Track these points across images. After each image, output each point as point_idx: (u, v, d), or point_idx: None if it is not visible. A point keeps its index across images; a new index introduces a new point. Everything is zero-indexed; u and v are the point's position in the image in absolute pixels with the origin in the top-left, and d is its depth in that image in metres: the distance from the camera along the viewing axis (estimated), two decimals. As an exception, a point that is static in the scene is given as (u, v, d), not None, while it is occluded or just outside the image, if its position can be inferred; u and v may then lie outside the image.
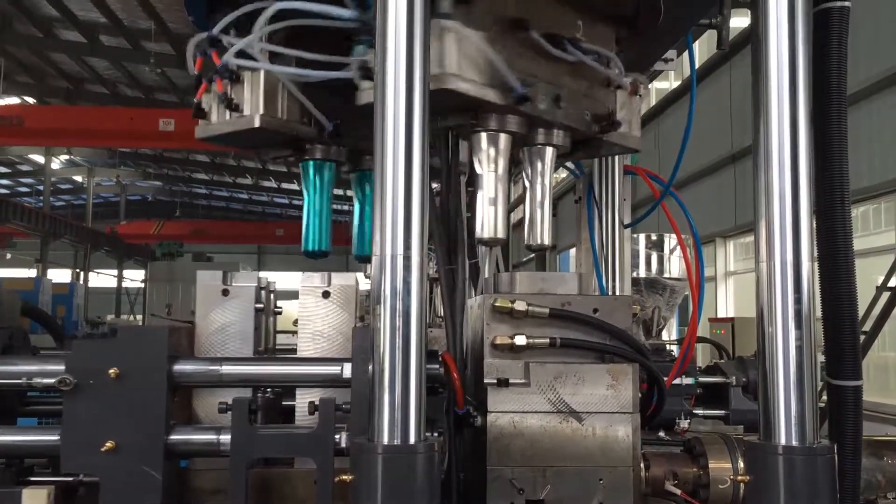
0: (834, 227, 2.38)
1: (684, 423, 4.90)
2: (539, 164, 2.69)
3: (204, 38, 2.51)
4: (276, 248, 42.93)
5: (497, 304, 2.59)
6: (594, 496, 2.52)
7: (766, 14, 2.18)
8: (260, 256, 48.33)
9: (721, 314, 18.08)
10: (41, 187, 35.42)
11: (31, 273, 30.50)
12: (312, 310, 2.54)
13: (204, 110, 2.56)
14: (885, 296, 10.81)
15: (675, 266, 9.48)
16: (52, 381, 2.20)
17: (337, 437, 2.19)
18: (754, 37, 2.23)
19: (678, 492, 2.76)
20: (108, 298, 36.09)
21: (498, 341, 2.58)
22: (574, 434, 2.55)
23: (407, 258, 2.02)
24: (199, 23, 2.82)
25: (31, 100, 28.81)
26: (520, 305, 2.57)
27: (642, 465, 2.69)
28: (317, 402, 2.21)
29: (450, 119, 2.53)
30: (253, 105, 2.48)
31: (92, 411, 2.18)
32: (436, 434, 2.32)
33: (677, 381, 4.55)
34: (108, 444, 2.15)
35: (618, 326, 2.61)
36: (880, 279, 11.21)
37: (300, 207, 2.67)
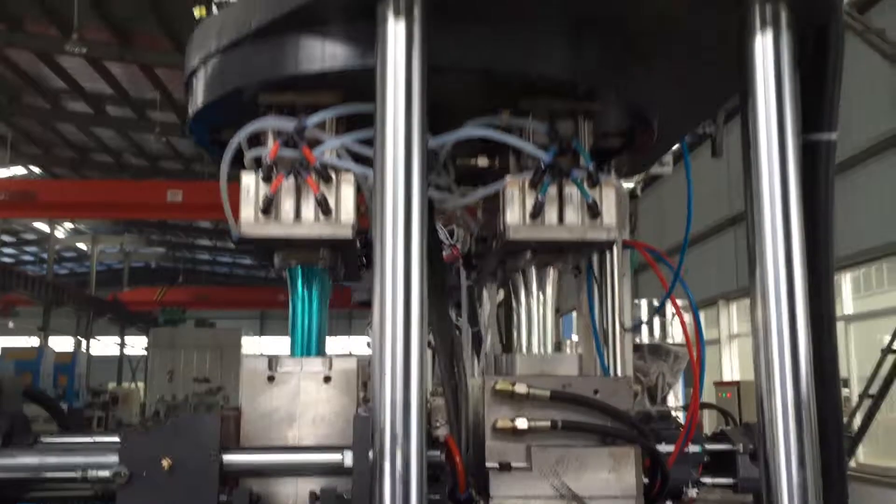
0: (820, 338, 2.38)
1: (692, 493, 4.84)
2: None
3: (290, 126, 2.45)
4: (277, 312, 42.90)
5: (498, 387, 2.59)
6: (599, 583, 2.48)
7: (757, 144, 2.23)
8: (262, 321, 48.23)
9: (726, 377, 17.98)
10: (45, 255, 35.59)
11: (34, 341, 30.45)
12: (314, 395, 2.54)
13: (272, 207, 2.43)
14: (891, 358, 10.77)
15: (679, 331, 9.49)
16: (106, 473, 2.21)
17: (338, 526, 2.17)
18: (745, 161, 2.28)
19: (683, 577, 2.71)
20: (110, 365, 35.92)
21: (499, 424, 2.57)
22: (577, 519, 2.52)
23: (406, 348, 2.03)
24: (200, 139, 2.87)
25: (36, 169, 29.14)
26: (520, 388, 2.58)
27: (648, 548, 2.65)
28: (318, 492, 2.20)
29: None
30: (345, 211, 2.45)
31: (145, 503, 2.17)
32: (437, 523, 2.31)
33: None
34: None
35: (618, 408, 2.60)
36: (886, 338, 11.19)
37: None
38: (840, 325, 14.62)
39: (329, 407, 2.54)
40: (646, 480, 2.68)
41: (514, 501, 2.52)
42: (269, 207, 2.41)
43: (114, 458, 2.18)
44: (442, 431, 2.69)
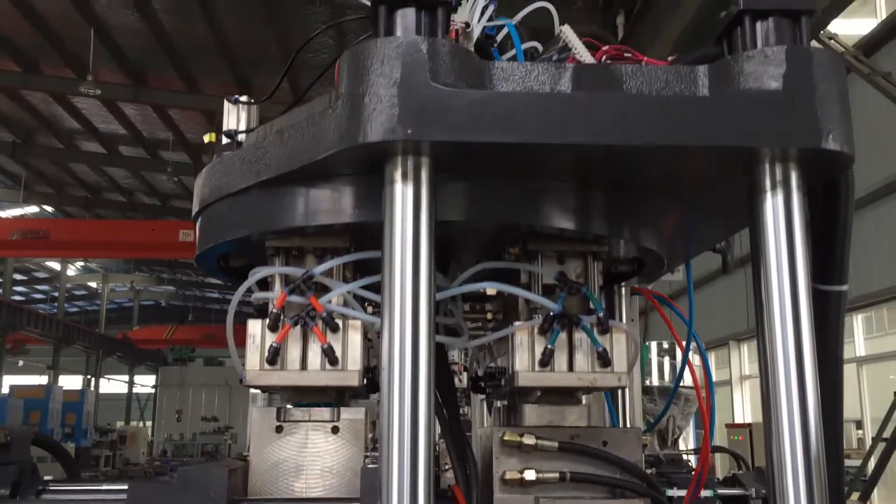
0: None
1: (705, 538, 4.77)
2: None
3: (299, 273, 2.42)
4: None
5: (506, 437, 2.56)
6: None
7: (770, 303, 2.18)
8: (271, 360, 48.11)
9: (738, 419, 17.80)
10: (56, 293, 35.71)
11: (43, 379, 30.44)
12: (321, 446, 2.50)
13: (278, 356, 2.37)
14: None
15: (688, 374, 9.38)
16: None
17: (347, 582, 2.13)
18: (758, 316, 2.28)
19: None
20: (119, 404, 35.86)
21: (507, 476, 2.53)
22: (587, 574, 2.47)
23: (415, 375, 2.01)
24: (208, 271, 2.88)
25: (49, 208, 29.38)
26: (528, 439, 2.54)
27: None
28: (323, 545, 2.16)
29: None
30: (352, 359, 2.41)
31: None
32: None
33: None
34: None
35: (628, 459, 2.57)
36: (896, 377, 11.07)
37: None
38: (852, 367, 14.53)
39: (337, 458, 2.51)
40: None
41: (522, 554, 2.47)
42: (275, 358, 2.38)
43: (113, 511, 2.15)
44: (450, 474, 2.67)
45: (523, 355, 2.50)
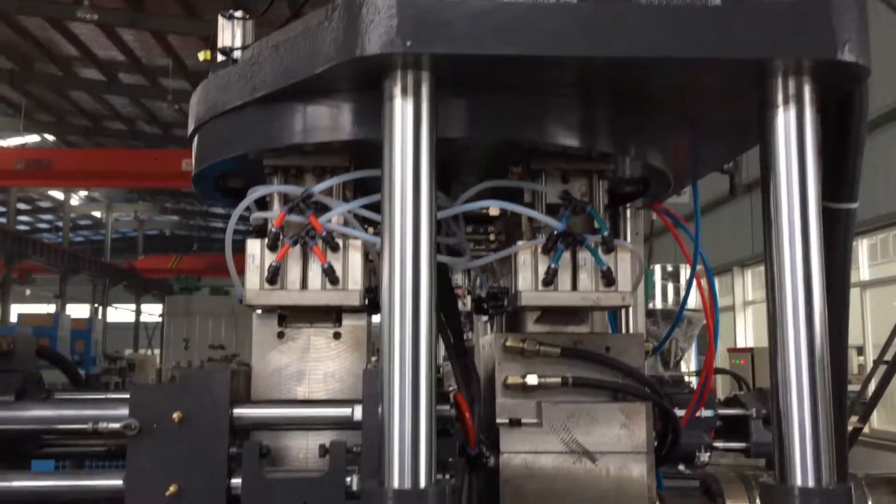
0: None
1: (704, 457, 4.85)
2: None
3: (297, 192, 2.41)
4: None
5: (508, 343, 2.59)
6: (609, 538, 2.49)
7: (780, 220, 2.16)
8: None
9: (740, 344, 17.97)
10: (60, 223, 35.81)
11: (51, 308, 30.73)
12: (323, 351, 2.54)
13: (278, 276, 2.38)
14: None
15: (692, 296, 9.46)
16: (117, 425, 2.21)
17: (348, 480, 2.17)
18: (766, 233, 2.22)
19: (695, 533, 2.72)
20: (126, 333, 36.26)
21: (509, 381, 2.57)
22: (588, 475, 2.53)
23: (416, 297, 2.02)
24: (205, 192, 2.84)
25: (50, 137, 29.23)
26: (530, 345, 2.57)
27: (658, 504, 2.66)
28: (328, 445, 2.20)
29: None
30: (353, 279, 2.41)
31: (156, 456, 2.18)
32: (448, 477, 2.31)
33: (697, 413, 4.50)
34: (172, 489, 2.15)
35: (630, 364, 2.59)
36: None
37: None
38: (855, 292, 14.58)
39: (339, 363, 2.54)
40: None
41: (523, 457, 2.52)
42: (274, 277, 2.38)
43: (124, 412, 2.19)
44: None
45: (526, 275, 2.50)
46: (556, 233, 2.44)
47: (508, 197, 2.58)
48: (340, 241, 2.41)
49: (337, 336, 2.55)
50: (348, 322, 2.56)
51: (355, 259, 2.42)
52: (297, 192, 2.42)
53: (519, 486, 2.51)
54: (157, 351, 33.76)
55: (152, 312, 38.13)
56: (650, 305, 9.69)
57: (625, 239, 3.68)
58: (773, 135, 2.19)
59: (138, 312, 36.93)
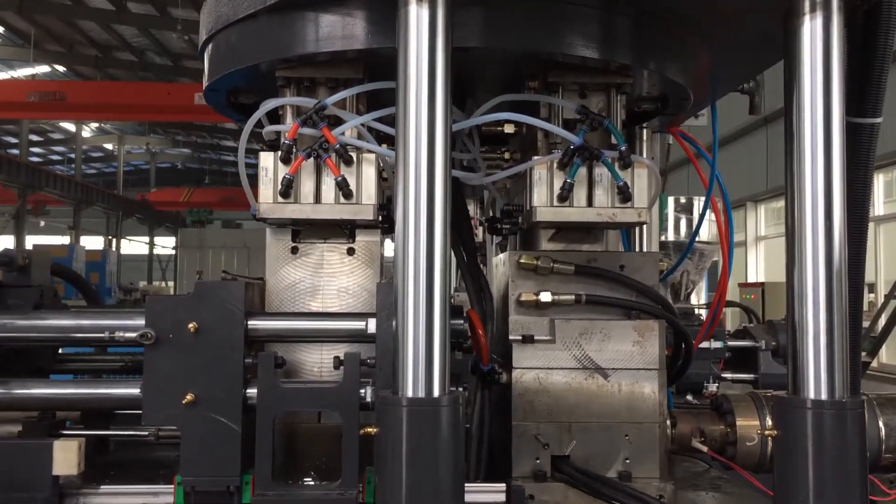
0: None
1: (712, 387, 4.87)
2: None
3: (310, 105, 2.37)
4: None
5: (522, 260, 2.58)
6: (620, 452, 2.52)
7: (801, 131, 2.14)
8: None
9: (751, 279, 17.94)
10: (72, 155, 35.78)
11: (65, 240, 30.93)
12: (337, 266, 2.54)
13: (291, 189, 2.36)
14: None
15: (705, 229, 9.41)
16: (133, 335, 2.22)
17: (362, 391, 2.19)
18: (788, 147, 2.19)
19: (705, 449, 2.75)
20: (140, 265, 36.53)
21: (523, 298, 2.57)
22: (600, 390, 2.54)
23: (430, 211, 2.01)
24: (217, 105, 2.79)
25: (60, 68, 29.02)
26: (544, 262, 2.56)
27: (668, 422, 2.68)
28: (342, 357, 2.21)
29: None
30: (366, 193, 2.38)
31: (172, 365, 2.19)
32: (461, 388, 2.33)
33: (706, 344, 4.51)
34: (189, 397, 2.17)
35: (644, 283, 2.59)
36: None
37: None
38: (869, 228, 14.48)
39: (353, 279, 2.54)
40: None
41: (535, 372, 2.54)
42: (287, 190, 2.35)
43: (141, 322, 2.20)
44: None
45: (541, 190, 2.47)
46: (572, 147, 2.40)
47: (524, 113, 2.54)
48: (354, 155, 2.38)
49: (350, 252, 2.55)
50: (362, 238, 2.55)
51: (369, 173, 2.39)
52: (310, 104, 2.39)
53: (531, 402, 2.53)
54: (171, 283, 34.01)
55: (166, 245, 38.32)
56: (662, 238, 9.66)
57: (638, 153, 3.64)
58: (798, 44, 2.14)
59: (152, 245, 37.11)
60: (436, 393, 1.98)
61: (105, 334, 2.27)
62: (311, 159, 2.36)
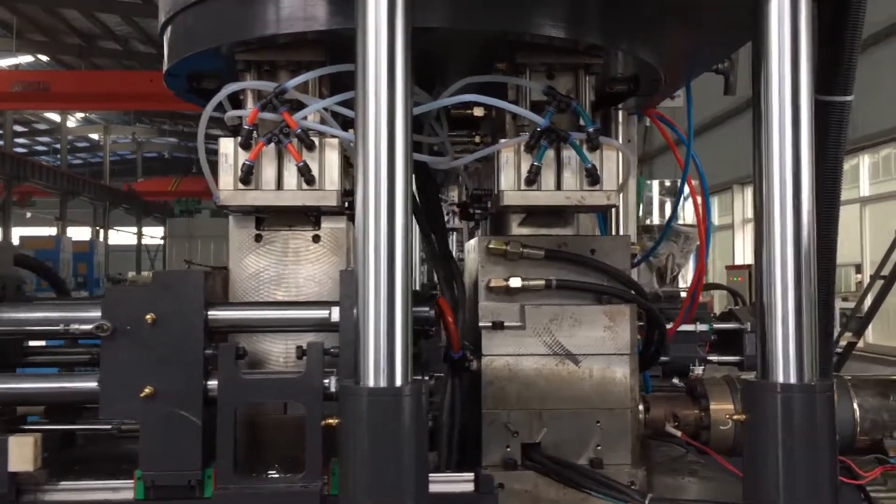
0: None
1: (698, 370, 4.85)
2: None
3: (270, 88, 2.30)
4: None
5: (491, 245, 2.54)
6: (591, 439, 2.49)
7: (769, 108, 2.10)
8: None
9: (738, 261, 17.95)
10: (58, 146, 35.53)
11: (52, 231, 30.74)
12: (303, 254, 2.49)
13: (251, 175, 2.30)
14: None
15: (690, 213, 9.41)
16: (89, 327, 2.16)
17: (326, 381, 2.15)
18: (755, 126, 2.15)
19: (678, 434, 2.72)
20: (129, 255, 36.33)
21: (493, 284, 2.53)
22: (570, 376, 2.51)
23: (391, 197, 1.96)
24: (178, 91, 2.72)
25: (44, 58, 28.77)
26: (514, 247, 2.52)
27: (641, 406, 2.65)
28: (304, 347, 2.17)
29: None
30: (329, 179, 2.33)
31: (130, 357, 2.14)
32: (427, 378, 2.29)
33: (691, 327, 4.48)
34: (147, 390, 2.12)
35: (615, 267, 2.55)
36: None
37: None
38: (855, 208, 14.49)
39: (318, 267, 2.50)
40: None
41: (505, 359, 2.50)
42: (248, 177, 2.29)
43: (98, 314, 2.15)
44: None
45: (509, 173, 2.43)
46: (538, 130, 2.36)
47: (493, 95, 2.49)
48: (317, 140, 2.33)
49: (316, 239, 2.50)
50: (327, 225, 2.50)
51: (332, 158, 2.34)
52: (271, 88, 2.34)
53: (501, 389, 2.49)
54: (159, 273, 33.84)
55: (154, 235, 38.15)
56: (647, 221, 9.65)
57: (614, 136, 3.60)
58: (765, 22, 2.09)
59: (140, 235, 36.93)
60: (398, 382, 1.94)
61: (60, 327, 2.21)
62: (273, 145, 2.30)
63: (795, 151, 2.05)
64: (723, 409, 2.69)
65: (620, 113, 3.58)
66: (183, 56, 2.45)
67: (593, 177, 2.37)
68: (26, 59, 28.59)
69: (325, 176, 2.33)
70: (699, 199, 3.44)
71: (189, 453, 2.12)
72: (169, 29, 2.51)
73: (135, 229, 36.73)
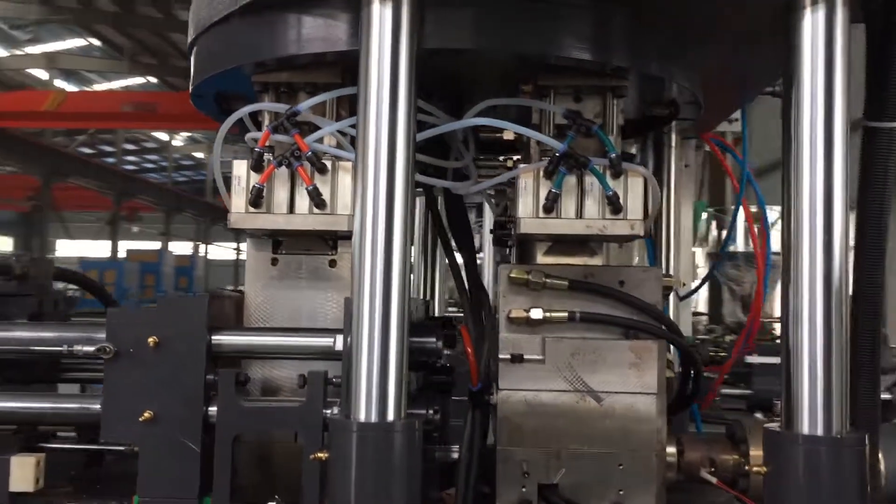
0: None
1: (782, 404, 4.59)
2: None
3: (282, 110, 2.28)
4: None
5: (513, 274, 2.43)
6: (613, 482, 2.34)
7: (800, 136, 1.96)
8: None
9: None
10: (165, 163, 37.01)
11: (156, 245, 32.02)
12: (319, 279, 2.44)
13: (262, 198, 2.27)
14: None
15: (776, 239, 8.94)
16: (91, 348, 2.18)
17: (328, 412, 2.09)
18: (785, 156, 2.01)
19: (714, 480, 2.53)
20: (227, 270, 37.46)
21: (513, 314, 2.41)
22: (592, 415, 2.37)
23: (389, 222, 1.90)
24: (208, 110, 2.75)
25: (153, 79, 30.05)
26: (536, 276, 2.41)
27: (674, 449, 2.48)
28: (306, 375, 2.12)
29: None
30: (342, 203, 2.26)
31: (131, 380, 2.15)
32: (433, 412, 2.21)
33: (775, 359, 4.26)
34: (147, 415, 2.12)
35: (644, 300, 2.40)
36: None
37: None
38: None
39: (334, 292, 2.45)
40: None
41: (523, 394, 2.38)
42: (258, 200, 2.26)
43: (102, 335, 2.15)
44: None
45: (527, 200, 2.32)
46: (557, 155, 2.25)
47: (521, 119, 2.40)
48: (329, 163, 2.29)
49: (332, 264, 2.45)
50: (344, 249, 2.45)
51: (345, 182, 2.29)
52: (285, 110, 2.31)
53: (517, 426, 2.37)
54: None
55: (252, 250, 39.23)
56: (732, 248, 9.29)
57: (668, 169, 3.45)
58: (798, 40, 1.95)
59: (238, 250, 38.05)
60: (390, 417, 1.87)
61: (63, 348, 2.23)
62: (284, 168, 2.27)
63: (827, 179, 1.89)
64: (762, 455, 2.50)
65: (674, 137, 3.43)
66: (204, 77, 2.45)
67: (615, 205, 2.25)
68: (137, 80, 29.93)
69: (337, 200, 2.28)
70: (755, 228, 3.26)
71: (187, 481, 2.10)
72: (194, 50, 2.52)
73: (234, 244, 37.87)
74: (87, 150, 31.14)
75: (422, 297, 4.60)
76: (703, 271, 9.41)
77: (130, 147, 38.17)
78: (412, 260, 3.39)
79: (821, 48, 1.92)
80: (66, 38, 25.76)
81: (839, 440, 1.83)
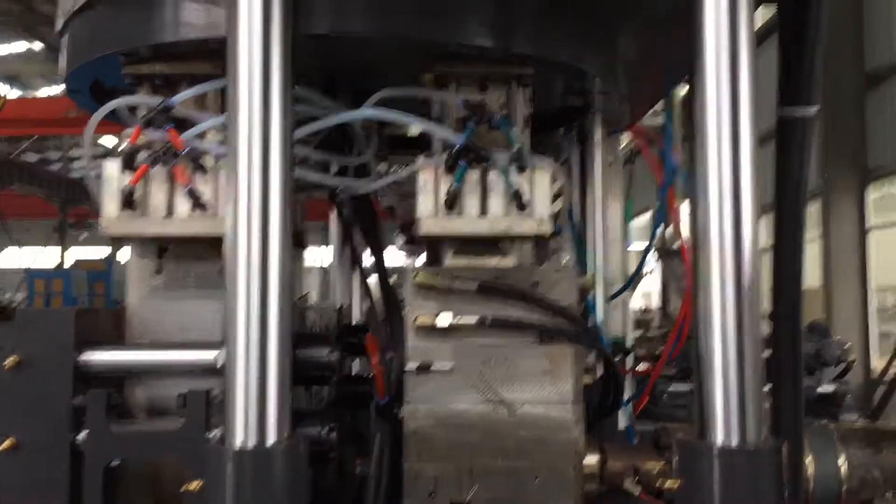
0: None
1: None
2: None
3: (155, 104, 2.08)
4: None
5: (418, 279, 2.27)
6: (529, 497, 2.19)
7: (705, 129, 1.82)
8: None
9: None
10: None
11: (105, 251, 31.31)
12: (208, 288, 2.25)
13: (135, 199, 2.07)
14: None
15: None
16: None
17: (211, 434, 1.91)
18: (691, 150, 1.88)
19: (637, 491, 2.40)
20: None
21: (420, 321, 2.25)
22: (505, 427, 2.22)
23: (264, 225, 1.74)
24: (82, 103, 2.54)
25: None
26: (443, 280, 2.25)
27: (595, 460, 2.34)
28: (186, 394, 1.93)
29: None
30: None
31: None
32: (328, 430, 2.04)
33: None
34: (7, 443, 1.92)
35: (559, 302, 2.26)
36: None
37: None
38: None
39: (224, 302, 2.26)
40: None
41: (430, 406, 2.22)
42: (131, 202, 2.06)
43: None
44: None
45: (427, 198, 2.16)
46: (456, 149, 2.10)
47: (419, 108, 2.24)
48: (211, 162, 2.11)
49: (223, 272, 2.26)
50: (238, 258, 2.27)
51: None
52: (156, 103, 2.12)
53: (426, 439, 2.22)
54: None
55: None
56: (675, 246, 9.23)
57: (592, 163, 3.32)
58: (699, 28, 1.82)
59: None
60: (269, 441, 1.70)
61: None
62: (159, 167, 2.08)
63: (734, 170, 1.76)
64: (688, 462, 2.37)
65: (598, 132, 3.30)
66: (73, 68, 2.26)
67: (520, 202, 2.10)
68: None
69: (219, 202, 2.10)
70: (681, 223, 3.14)
71: (52, 515, 1.90)
72: (62, 42, 2.33)
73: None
74: (33, 157, 30.37)
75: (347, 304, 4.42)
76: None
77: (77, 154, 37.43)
78: (325, 265, 3.20)
79: (725, 28, 1.80)
80: (9, 40, 25.11)
81: (755, 451, 1.70)
